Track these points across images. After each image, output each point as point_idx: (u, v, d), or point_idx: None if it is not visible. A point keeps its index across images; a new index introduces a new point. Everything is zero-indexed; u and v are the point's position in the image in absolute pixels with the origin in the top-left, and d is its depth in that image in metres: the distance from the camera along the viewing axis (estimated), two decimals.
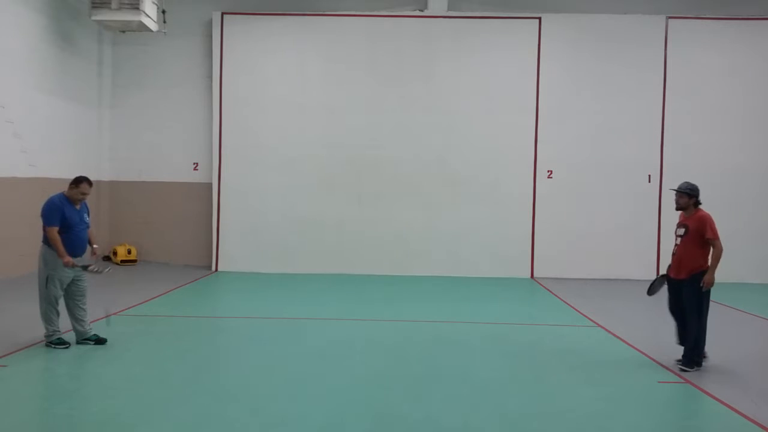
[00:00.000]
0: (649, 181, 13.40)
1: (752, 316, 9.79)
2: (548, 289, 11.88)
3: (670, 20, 13.35)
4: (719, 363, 6.58)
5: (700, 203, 6.72)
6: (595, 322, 8.91)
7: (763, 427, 5.00)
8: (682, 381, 6.17)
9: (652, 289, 6.99)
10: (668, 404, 5.66)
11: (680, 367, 6.49)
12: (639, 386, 6.00)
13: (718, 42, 13.36)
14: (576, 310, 9.88)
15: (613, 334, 8.15)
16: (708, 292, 6.54)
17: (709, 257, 6.52)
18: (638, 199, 13.43)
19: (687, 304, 6.56)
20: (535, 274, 13.41)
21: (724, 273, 12.31)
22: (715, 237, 6.48)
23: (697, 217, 6.60)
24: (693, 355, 6.48)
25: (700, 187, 6.76)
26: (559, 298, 10.99)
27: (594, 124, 13.38)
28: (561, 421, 5.08)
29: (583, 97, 13.39)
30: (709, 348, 6.65)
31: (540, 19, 13.34)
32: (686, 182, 6.78)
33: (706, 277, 6.43)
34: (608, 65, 13.36)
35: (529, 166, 13.43)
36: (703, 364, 6.59)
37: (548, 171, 13.42)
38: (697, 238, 6.52)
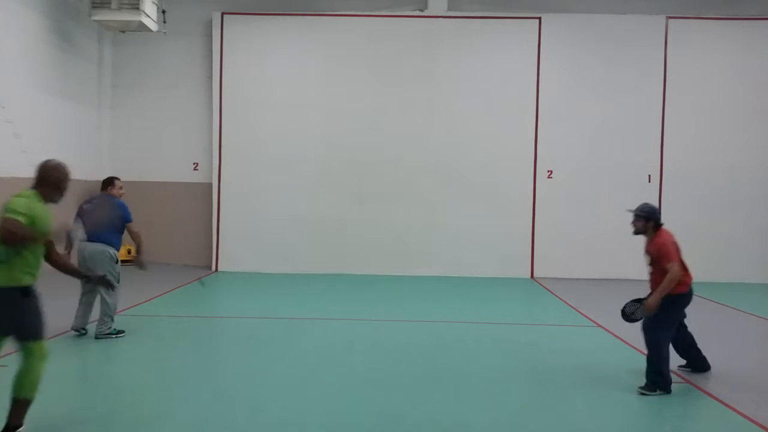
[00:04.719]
0: (649, 181, 13.38)
1: (752, 316, 9.78)
2: (548, 289, 11.88)
3: (670, 20, 13.35)
4: (719, 363, 6.56)
5: (661, 225, 5.95)
6: (595, 323, 8.91)
7: (763, 427, 5.00)
8: (682, 381, 6.17)
9: (627, 316, 6.25)
10: (668, 404, 5.66)
11: (639, 390, 5.74)
12: (639, 386, 5.99)
13: (718, 42, 13.36)
14: (576, 310, 9.88)
15: (613, 334, 8.15)
16: (671, 319, 5.80)
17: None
18: (638, 199, 12.97)
19: (644, 321, 5.90)
20: (535, 274, 13.41)
21: (723, 273, 12.71)
22: (670, 260, 5.64)
23: (654, 244, 5.84)
24: (655, 378, 5.73)
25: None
26: (559, 298, 10.99)
27: (594, 124, 13.38)
28: (561, 421, 5.09)
29: (583, 97, 13.38)
30: (709, 348, 6.60)
31: (540, 19, 13.33)
32: (644, 203, 6.14)
33: (649, 300, 5.71)
34: (608, 65, 13.35)
35: (529, 167, 13.42)
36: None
37: (548, 171, 13.42)
38: (659, 266, 5.79)
